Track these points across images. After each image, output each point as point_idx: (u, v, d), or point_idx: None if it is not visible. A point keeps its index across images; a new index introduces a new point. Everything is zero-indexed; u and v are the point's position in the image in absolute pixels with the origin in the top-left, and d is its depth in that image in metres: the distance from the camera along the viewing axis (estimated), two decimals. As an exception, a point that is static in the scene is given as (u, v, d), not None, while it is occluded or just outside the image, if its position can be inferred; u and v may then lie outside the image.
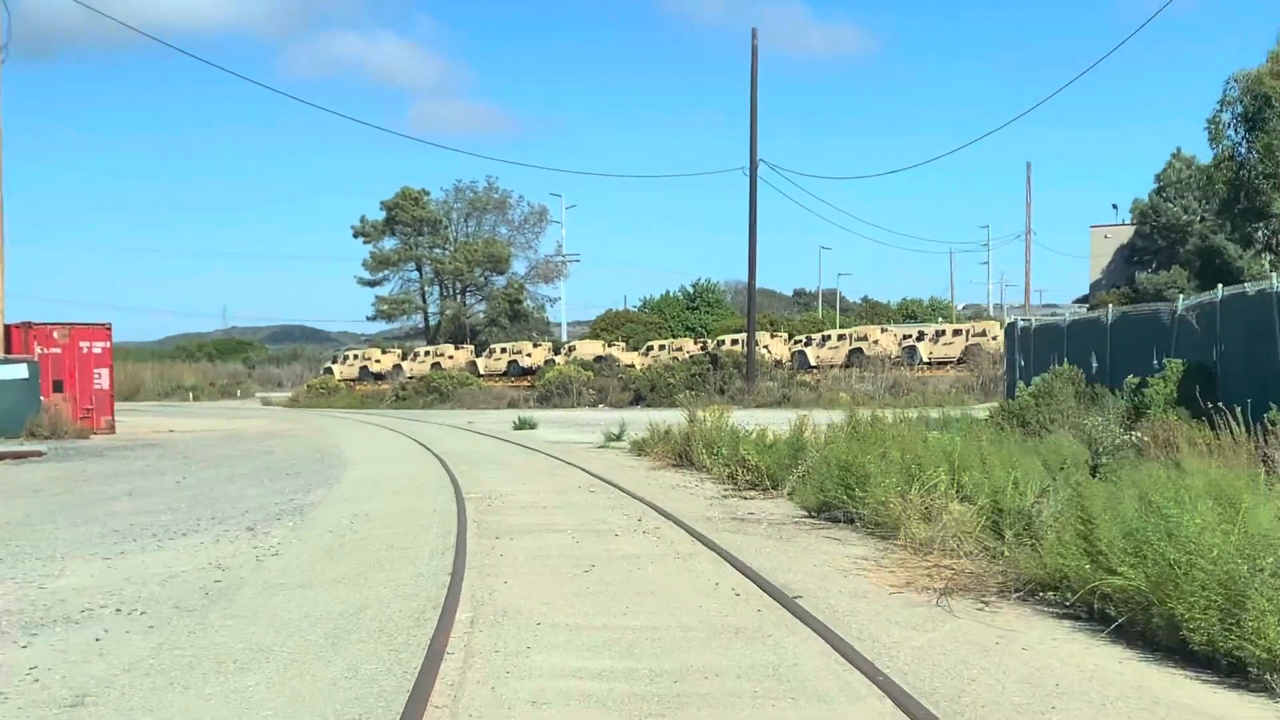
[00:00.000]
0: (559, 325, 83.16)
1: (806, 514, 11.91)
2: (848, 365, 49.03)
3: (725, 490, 14.41)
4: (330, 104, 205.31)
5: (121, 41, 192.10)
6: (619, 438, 22.69)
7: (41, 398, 26.12)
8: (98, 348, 27.82)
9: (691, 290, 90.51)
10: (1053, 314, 77.29)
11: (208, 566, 9.42)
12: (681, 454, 17.68)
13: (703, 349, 55.51)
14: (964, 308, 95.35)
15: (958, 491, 10.09)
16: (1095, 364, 20.03)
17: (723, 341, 55.49)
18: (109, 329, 28.40)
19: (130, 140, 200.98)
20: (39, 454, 21.63)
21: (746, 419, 19.93)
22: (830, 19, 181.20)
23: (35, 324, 27.63)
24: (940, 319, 78.77)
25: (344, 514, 12.62)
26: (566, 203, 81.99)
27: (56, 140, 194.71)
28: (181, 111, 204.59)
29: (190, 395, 66.84)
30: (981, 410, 22.50)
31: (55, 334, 27.57)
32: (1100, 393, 17.49)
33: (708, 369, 45.35)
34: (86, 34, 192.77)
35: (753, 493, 13.98)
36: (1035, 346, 23.87)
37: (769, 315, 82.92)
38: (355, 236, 79.23)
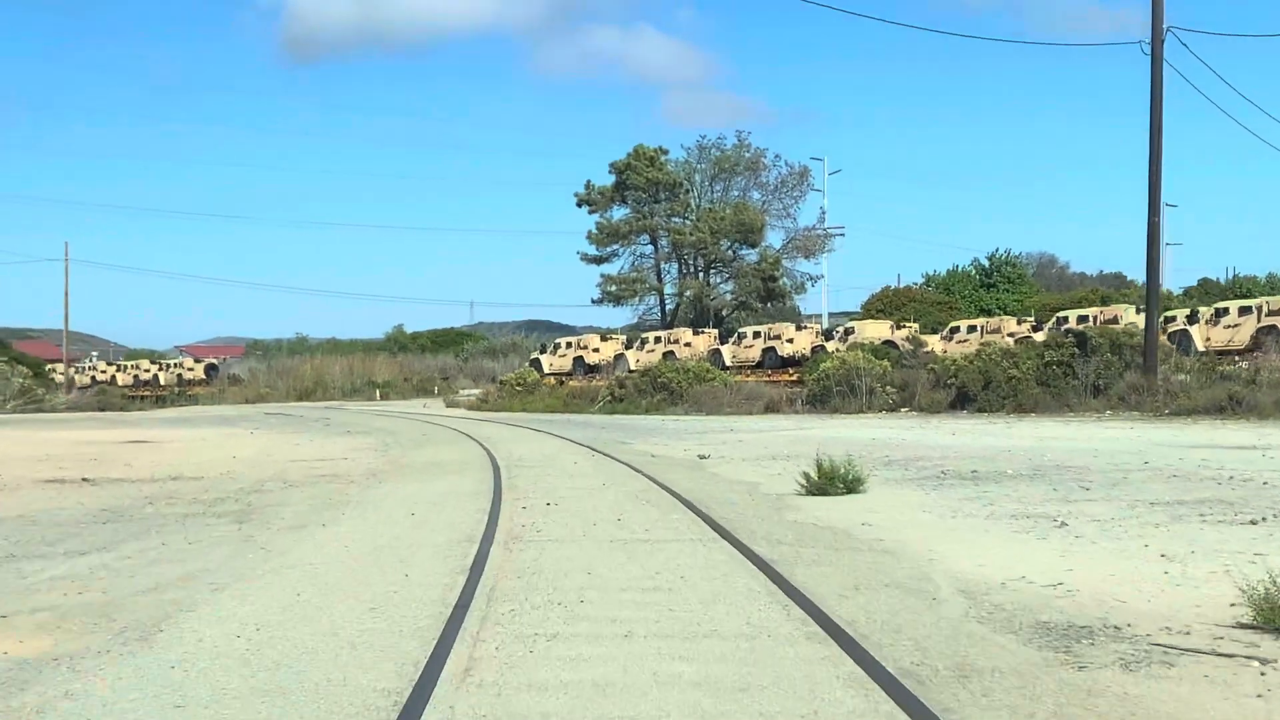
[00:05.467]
0: (816, 316, 67.05)
1: None
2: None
3: None
4: (585, 101, 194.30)
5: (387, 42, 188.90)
6: None
7: None
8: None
9: (986, 264, 73.44)
10: None
11: None
12: None
13: (1033, 329, 40.18)
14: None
15: None
16: None
17: (1065, 319, 39.91)
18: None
19: (373, 129, 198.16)
20: None
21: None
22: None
23: None
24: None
25: None
26: (830, 167, 66.61)
27: (305, 136, 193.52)
28: (419, 102, 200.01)
29: (378, 393, 56.01)
30: None
31: None
32: None
33: (1071, 354, 29.41)
34: (347, 35, 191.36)
35: None
36: None
37: (1098, 291, 64.92)
38: (579, 205, 66.52)
